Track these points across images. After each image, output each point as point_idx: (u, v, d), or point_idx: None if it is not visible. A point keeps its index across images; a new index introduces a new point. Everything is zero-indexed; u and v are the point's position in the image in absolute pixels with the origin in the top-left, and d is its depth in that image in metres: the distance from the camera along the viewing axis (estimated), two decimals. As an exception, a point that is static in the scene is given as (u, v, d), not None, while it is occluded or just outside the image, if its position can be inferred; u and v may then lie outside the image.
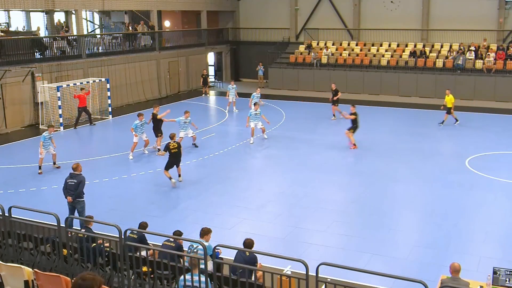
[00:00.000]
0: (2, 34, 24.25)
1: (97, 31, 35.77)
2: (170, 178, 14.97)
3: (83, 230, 9.24)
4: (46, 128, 18.06)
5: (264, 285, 7.74)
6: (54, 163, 16.86)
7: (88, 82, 24.67)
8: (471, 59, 29.33)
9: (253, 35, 36.90)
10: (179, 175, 15.49)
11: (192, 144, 19.53)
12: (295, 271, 8.91)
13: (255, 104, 21.24)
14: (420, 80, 29.68)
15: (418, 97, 28.98)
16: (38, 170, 16.37)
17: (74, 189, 11.50)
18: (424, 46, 31.35)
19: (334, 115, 24.27)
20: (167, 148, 15.04)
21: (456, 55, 29.66)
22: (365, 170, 16.66)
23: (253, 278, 7.87)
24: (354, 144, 19.07)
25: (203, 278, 7.18)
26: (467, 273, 8.69)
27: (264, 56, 34.37)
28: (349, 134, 19.10)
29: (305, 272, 6.63)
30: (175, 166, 15.25)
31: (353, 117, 18.95)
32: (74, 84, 24.05)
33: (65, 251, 8.14)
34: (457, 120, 22.65)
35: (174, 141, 15.17)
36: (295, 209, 13.61)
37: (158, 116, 18.80)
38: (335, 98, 24.16)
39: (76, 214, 11.61)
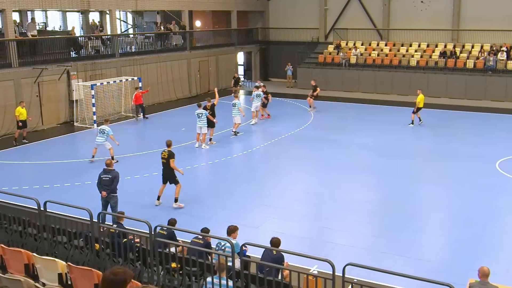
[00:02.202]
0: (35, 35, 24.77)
1: (130, 31, 36.36)
2: (158, 198, 13.66)
3: (114, 226, 9.49)
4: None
5: (290, 284, 7.82)
6: (113, 158, 16.91)
7: (121, 80, 25.18)
8: (502, 60, 28.74)
9: (283, 35, 36.90)
10: (175, 200, 13.46)
11: (233, 132, 21.08)
12: (322, 270, 8.96)
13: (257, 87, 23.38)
14: (450, 81, 29.22)
15: (448, 98, 28.54)
16: (114, 161, 16.41)
17: (109, 184, 11.86)
18: (454, 47, 30.87)
19: (310, 106, 26.43)
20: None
21: (488, 55, 29.11)
22: (392, 171, 16.56)
23: (279, 277, 7.97)
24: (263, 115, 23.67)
25: (230, 283, 7.27)
26: (496, 277, 8.59)
27: (293, 56, 34.37)
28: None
29: (331, 272, 6.68)
30: (169, 182, 13.44)
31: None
32: (107, 82, 24.58)
33: (97, 245, 8.33)
34: (412, 123, 22.67)
35: (168, 150, 13.41)
36: (321, 209, 13.66)
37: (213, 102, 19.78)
38: (314, 94, 26.28)
39: (109, 209, 11.94)
